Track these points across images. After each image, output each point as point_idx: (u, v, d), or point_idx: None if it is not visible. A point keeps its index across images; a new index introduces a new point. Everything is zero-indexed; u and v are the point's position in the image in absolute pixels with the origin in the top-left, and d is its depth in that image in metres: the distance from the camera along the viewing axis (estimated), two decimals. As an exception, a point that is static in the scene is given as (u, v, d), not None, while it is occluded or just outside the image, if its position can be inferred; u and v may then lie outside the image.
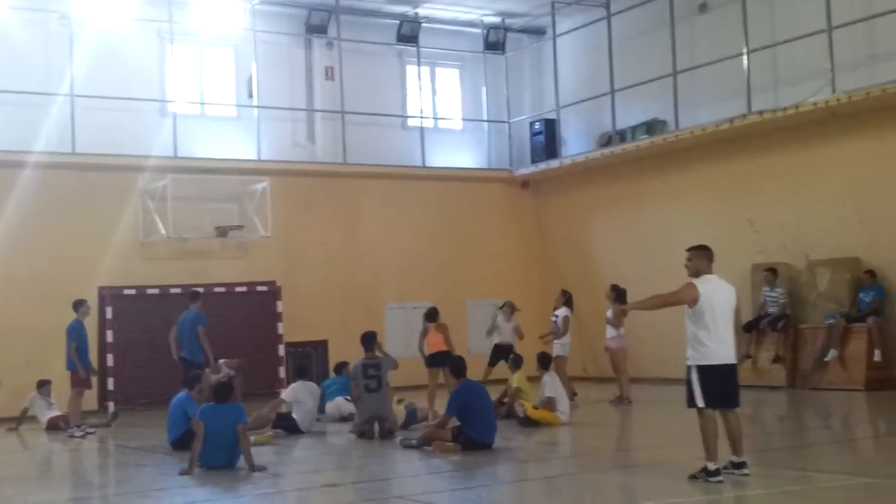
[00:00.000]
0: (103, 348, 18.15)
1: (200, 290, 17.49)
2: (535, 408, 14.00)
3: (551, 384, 14.17)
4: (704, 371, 9.09)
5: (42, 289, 17.83)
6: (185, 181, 19.59)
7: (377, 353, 14.01)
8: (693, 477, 9.10)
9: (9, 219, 18.41)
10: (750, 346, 17.95)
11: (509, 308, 17.58)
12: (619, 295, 16.50)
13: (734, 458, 9.23)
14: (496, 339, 17.34)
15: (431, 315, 16.24)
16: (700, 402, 9.08)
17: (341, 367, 16.55)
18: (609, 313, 16.12)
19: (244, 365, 17.22)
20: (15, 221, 18.43)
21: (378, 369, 13.67)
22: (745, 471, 9.17)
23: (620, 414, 16.08)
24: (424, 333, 16.13)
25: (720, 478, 9.02)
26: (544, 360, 14.52)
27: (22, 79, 18.95)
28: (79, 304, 15.63)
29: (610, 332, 16.63)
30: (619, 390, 16.78)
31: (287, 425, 14.27)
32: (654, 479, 10.06)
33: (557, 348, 17.03)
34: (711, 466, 9.04)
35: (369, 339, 14.02)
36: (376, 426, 13.38)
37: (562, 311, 17.25)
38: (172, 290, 18.85)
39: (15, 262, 18.39)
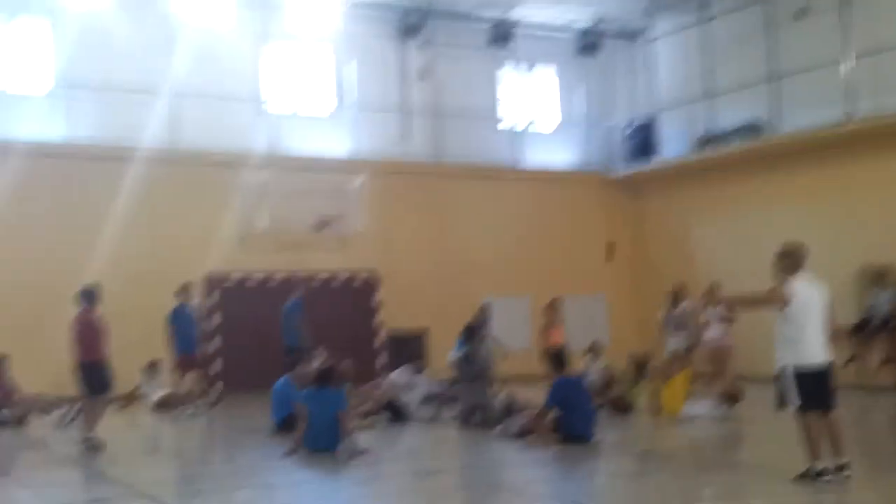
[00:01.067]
0: (209, 333, 18.64)
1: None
2: None
3: None
4: (800, 372, 8.92)
5: (152, 275, 18.34)
6: (284, 177, 19.96)
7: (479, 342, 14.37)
8: (801, 477, 8.96)
9: (120, 210, 19.00)
10: (858, 348, 17.68)
11: (595, 351, 17.17)
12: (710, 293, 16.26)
13: (837, 461, 9.02)
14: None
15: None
16: (796, 403, 8.91)
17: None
18: (707, 314, 15.97)
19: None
20: (125, 212, 19.00)
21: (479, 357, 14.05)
22: (846, 472, 8.96)
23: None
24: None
25: (828, 478, 8.87)
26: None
27: (128, 76, 19.52)
28: (183, 289, 16.15)
29: (715, 330, 16.23)
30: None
31: (394, 409, 14.52)
32: (757, 478, 10.03)
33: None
34: (818, 466, 8.91)
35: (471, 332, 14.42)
36: (478, 415, 13.56)
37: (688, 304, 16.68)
38: (276, 276, 19.40)
39: (126, 250, 18.90)
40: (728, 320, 15.92)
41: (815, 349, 8.86)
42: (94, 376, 12.32)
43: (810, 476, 8.90)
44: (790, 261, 9.01)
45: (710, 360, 16.23)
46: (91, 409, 12.41)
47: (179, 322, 15.83)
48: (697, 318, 16.76)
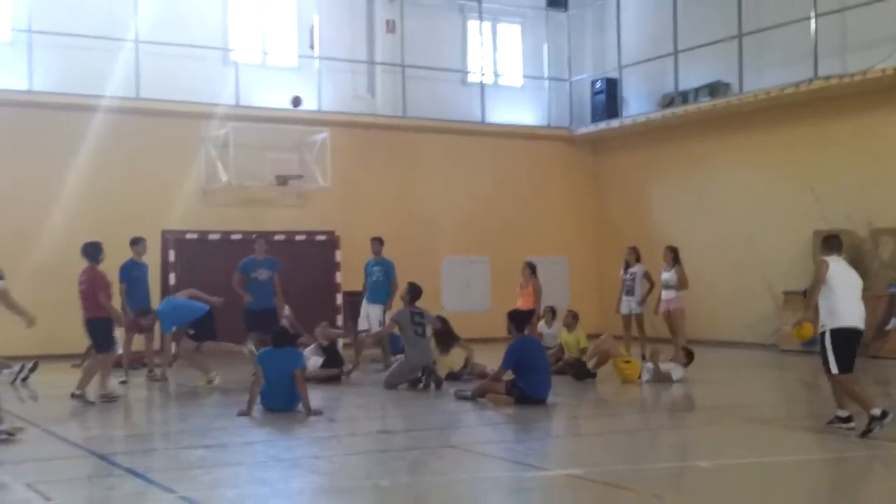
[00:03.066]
0: (165, 291, 18.48)
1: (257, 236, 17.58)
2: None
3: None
4: (835, 334, 9.75)
5: (106, 231, 18.08)
6: (247, 130, 19.87)
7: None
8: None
9: (75, 162, 18.86)
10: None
11: (550, 313, 17.21)
12: (675, 255, 16.39)
13: (840, 413, 9.96)
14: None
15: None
16: (834, 369, 9.74)
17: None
18: (666, 275, 16.08)
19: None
20: (81, 164, 18.89)
21: (422, 318, 14.05)
22: (851, 424, 9.83)
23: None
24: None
25: (890, 417, 9.50)
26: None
27: (89, 24, 19.27)
28: (134, 242, 15.65)
29: (667, 294, 16.41)
30: (675, 352, 16.75)
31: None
32: (710, 437, 10.14)
33: (638, 307, 16.91)
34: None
35: (416, 293, 14.40)
36: (426, 380, 13.59)
37: (639, 269, 17.07)
38: (233, 237, 19.20)
39: (80, 203, 18.83)
40: (682, 286, 16.18)
41: (850, 314, 9.82)
42: (101, 333, 12.58)
43: (873, 425, 9.52)
44: (829, 244, 10.16)
45: (666, 323, 16.43)
46: (103, 365, 12.72)
47: (129, 278, 15.40)
48: (649, 281, 16.93)
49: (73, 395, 12.48)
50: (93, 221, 18.48)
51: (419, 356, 13.80)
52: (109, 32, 19.42)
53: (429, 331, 14.15)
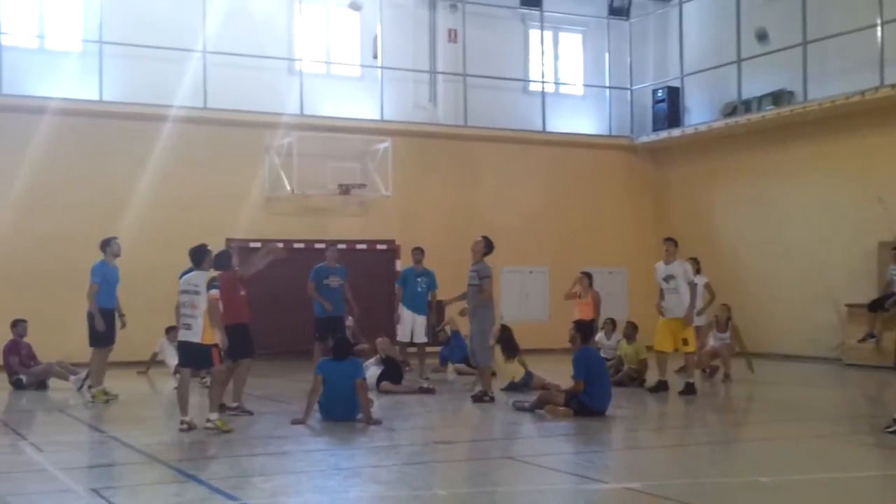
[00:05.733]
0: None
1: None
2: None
3: None
4: None
5: (172, 237, 18.44)
6: (311, 139, 20.09)
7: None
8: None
9: (144, 169, 19.26)
10: (874, 325, 17.58)
11: (611, 324, 17.14)
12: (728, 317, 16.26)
13: None
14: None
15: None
16: None
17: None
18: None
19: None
20: (149, 173, 19.27)
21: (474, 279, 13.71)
22: None
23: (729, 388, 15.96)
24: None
25: None
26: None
27: (158, 35, 19.67)
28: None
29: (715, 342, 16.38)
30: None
31: None
32: (771, 451, 10.05)
33: (698, 318, 16.74)
34: None
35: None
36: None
37: (700, 279, 16.92)
38: (296, 245, 19.40)
39: (147, 211, 19.19)
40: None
41: None
42: (237, 339, 11.73)
43: None
44: None
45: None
46: (241, 374, 12.18)
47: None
48: (710, 293, 16.82)
49: (228, 409, 11.99)
50: (159, 229, 18.87)
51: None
52: (178, 43, 19.82)
53: None
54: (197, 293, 10.84)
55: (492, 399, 13.40)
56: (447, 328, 17.73)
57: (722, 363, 16.29)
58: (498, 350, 14.55)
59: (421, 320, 16.50)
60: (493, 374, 14.57)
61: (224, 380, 11.70)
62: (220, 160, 20.00)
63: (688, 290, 14.39)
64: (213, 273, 11.19)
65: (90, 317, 13.67)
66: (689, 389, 14.04)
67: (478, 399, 13.41)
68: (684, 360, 14.81)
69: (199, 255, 11.22)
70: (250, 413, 12.13)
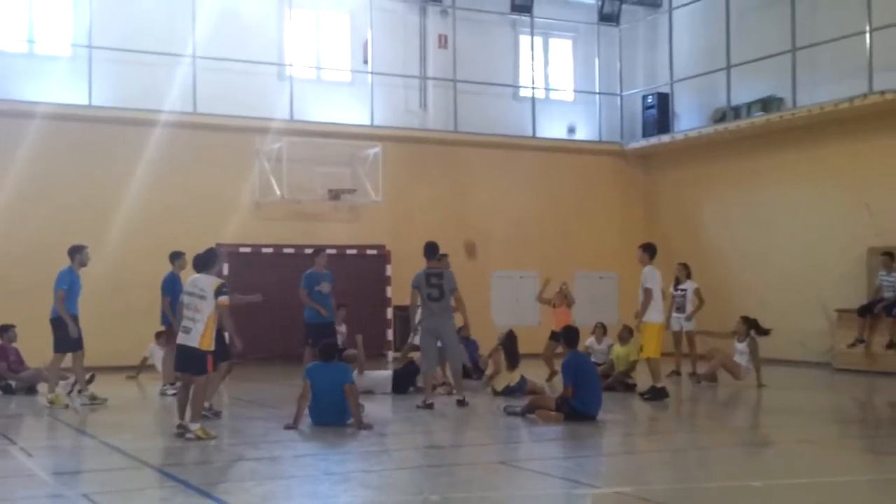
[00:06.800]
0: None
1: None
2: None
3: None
4: None
5: (161, 243, 18.37)
6: (301, 144, 20.09)
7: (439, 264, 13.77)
8: None
9: (134, 174, 19.25)
10: (864, 331, 17.64)
11: (601, 329, 17.15)
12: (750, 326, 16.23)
13: None
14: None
15: None
16: None
17: None
18: (739, 346, 16.10)
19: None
20: (139, 178, 19.27)
21: (440, 278, 13.38)
22: None
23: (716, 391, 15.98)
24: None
25: None
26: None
27: (147, 40, 19.65)
28: (175, 257, 15.11)
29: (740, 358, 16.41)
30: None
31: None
32: (761, 456, 10.08)
33: (688, 324, 16.91)
34: None
35: (432, 249, 13.67)
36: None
37: (690, 285, 17.07)
38: (286, 250, 19.41)
39: (137, 215, 19.18)
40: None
41: None
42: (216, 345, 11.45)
43: None
44: None
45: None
46: (217, 378, 12.06)
47: (171, 292, 14.64)
48: (700, 298, 16.90)
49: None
50: (149, 234, 18.84)
51: (432, 318, 13.39)
52: (168, 48, 19.80)
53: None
54: (202, 297, 10.64)
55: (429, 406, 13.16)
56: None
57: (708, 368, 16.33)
58: (501, 355, 14.60)
59: None
60: (492, 376, 14.63)
61: (208, 388, 11.47)
62: (210, 165, 19.97)
63: (643, 294, 14.18)
64: (220, 281, 10.98)
65: (57, 322, 13.57)
66: (654, 394, 14.02)
67: (425, 407, 13.19)
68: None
69: (208, 260, 11.04)
70: (218, 415, 12.11)
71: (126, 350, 17.59)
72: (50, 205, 18.84)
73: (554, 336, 16.44)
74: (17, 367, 15.52)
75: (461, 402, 13.18)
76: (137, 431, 11.70)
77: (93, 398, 13.70)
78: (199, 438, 10.52)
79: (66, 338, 13.60)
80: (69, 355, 13.79)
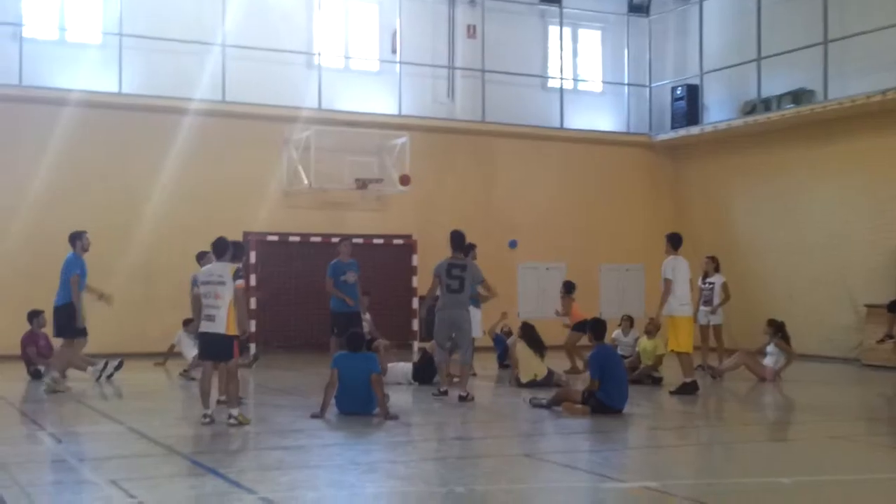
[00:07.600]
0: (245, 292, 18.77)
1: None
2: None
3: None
4: None
5: (190, 231, 18.49)
6: (329, 133, 20.11)
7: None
8: None
9: (163, 162, 19.33)
10: (893, 326, 17.48)
11: (628, 321, 17.11)
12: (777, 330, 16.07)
13: None
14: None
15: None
16: None
17: None
18: (770, 348, 15.96)
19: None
20: (168, 166, 19.36)
21: (463, 270, 13.27)
22: None
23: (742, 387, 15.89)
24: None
25: None
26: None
27: (177, 28, 19.73)
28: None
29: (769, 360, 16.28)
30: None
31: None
32: (789, 452, 10.03)
33: (714, 318, 16.83)
34: None
35: (458, 239, 13.51)
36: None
37: (718, 279, 16.98)
38: (313, 239, 19.46)
39: (165, 203, 19.28)
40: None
41: None
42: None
43: None
44: None
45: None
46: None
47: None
48: (726, 293, 16.80)
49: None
50: (177, 222, 18.95)
51: (448, 310, 13.35)
52: (197, 37, 19.86)
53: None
54: (222, 283, 10.80)
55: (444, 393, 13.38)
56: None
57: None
58: (522, 345, 14.58)
59: (477, 313, 15.93)
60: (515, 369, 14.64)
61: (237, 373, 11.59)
62: (239, 154, 20.05)
63: (664, 285, 14.05)
64: (235, 265, 11.14)
65: (64, 309, 13.69)
66: (684, 388, 13.95)
67: (440, 394, 13.39)
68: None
69: (222, 247, 11.24)
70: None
71: (155, 337, 17.71)
72: (79, 191, 18.95)
73: (577, 327, 16.41)
74: (47, 353, 15.65)
75: (463, 398, 13.07)
76: (165, 418, 11.78)
77: (54, 384, 13.62)
78: (240, 423, 10.61)
79: (72, 325, 13.71)
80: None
